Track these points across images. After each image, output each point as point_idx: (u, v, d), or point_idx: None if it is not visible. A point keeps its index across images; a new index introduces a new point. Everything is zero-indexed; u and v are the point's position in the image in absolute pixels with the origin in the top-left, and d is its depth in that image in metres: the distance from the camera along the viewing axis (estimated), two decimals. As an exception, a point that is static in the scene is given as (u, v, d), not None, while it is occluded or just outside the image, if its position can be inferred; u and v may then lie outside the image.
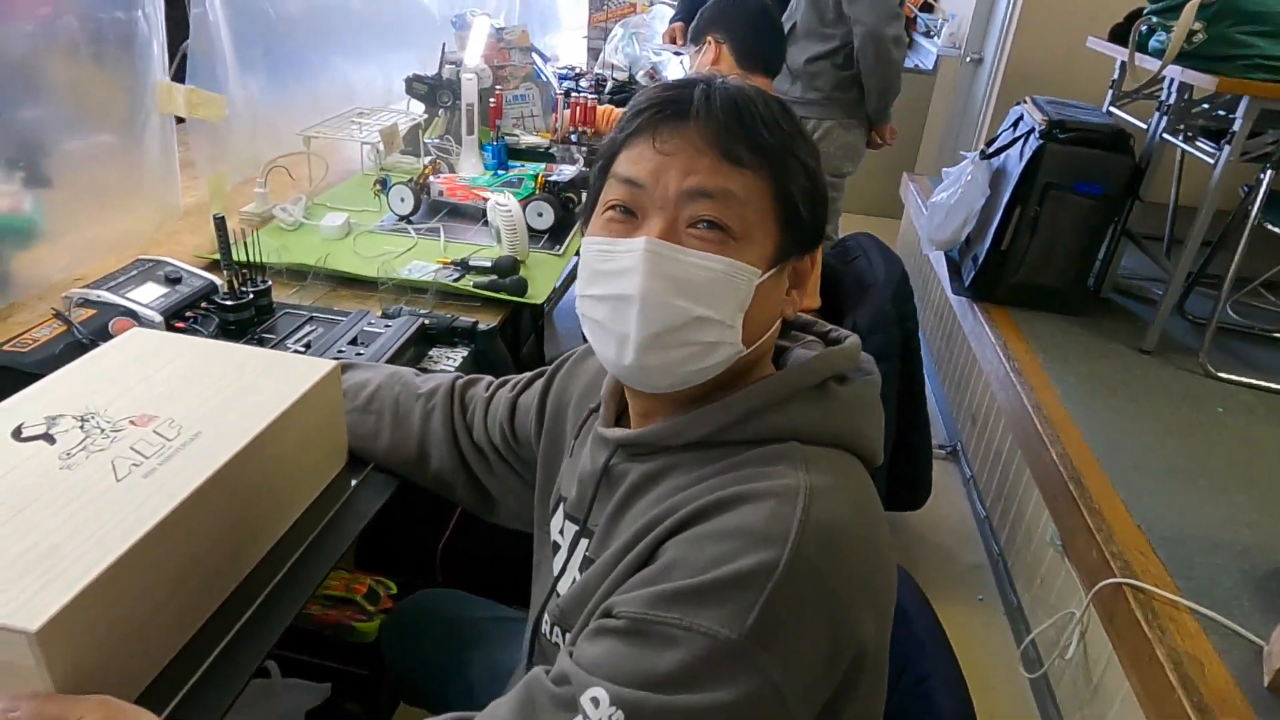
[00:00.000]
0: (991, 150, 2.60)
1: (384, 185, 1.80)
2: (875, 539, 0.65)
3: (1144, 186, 2.52)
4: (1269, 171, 2.18)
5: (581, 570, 0.77)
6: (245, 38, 1.65)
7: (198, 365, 0.91)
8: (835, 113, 2.46)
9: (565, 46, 3.83)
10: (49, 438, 0.77)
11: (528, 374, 0.99)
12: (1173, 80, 2.42)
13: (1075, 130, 2.39)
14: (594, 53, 3.52)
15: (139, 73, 1.37)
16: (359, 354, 1.16)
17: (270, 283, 1.30)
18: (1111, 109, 2.74)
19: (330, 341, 1.20)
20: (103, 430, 0.79)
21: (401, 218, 1.79)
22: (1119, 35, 2.66)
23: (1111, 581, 1.51)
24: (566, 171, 1.89)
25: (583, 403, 0.87)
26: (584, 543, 0.78)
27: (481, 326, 1.31)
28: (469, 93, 2.00)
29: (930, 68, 4.47)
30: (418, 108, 2.28)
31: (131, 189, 1.44)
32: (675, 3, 3.15)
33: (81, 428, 0.79)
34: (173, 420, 0.81)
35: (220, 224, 1.21)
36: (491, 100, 2.15)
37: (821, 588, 0.59)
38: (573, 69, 3.25)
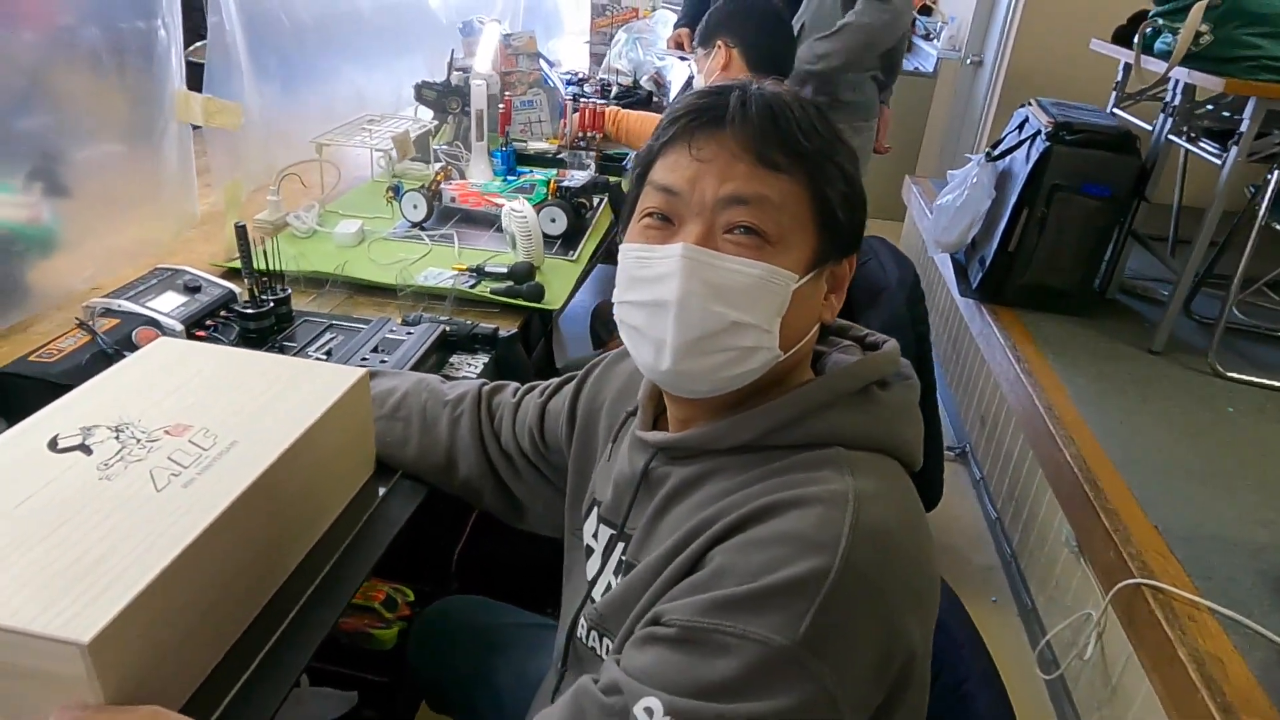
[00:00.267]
0: (998, 153, 2.61)
1: (397, 192, 1.80)
2: (921, 544, 0.66)
3: (1149, 187, 2.53)
4: (1276, 172, 2.19)
5: (616, 574, 0.77)
6: (260, 46, 1.65)
7: (226, 374, 0.91)
8: (845, 115, 2.45)
9: (567, 51, 3.84)
10: (85, 448, 0.77)
11: (556, 379, 0.99)
12: (1178, 82, 2.43)
13: (1082, 132, 2.40)
14: (597, 58, 3.52)
15: (158, 82, 1.37)
16: (383, 361, 1.16)
17: (290, 290, 1.30)
18: (1115, 110, 2.76)
19: (353, 349, 1.19)
20: (138, 440, 0.78)
21: (414, 224, 1.78)
22: (1122, 37, 2.67)
23: (1130, 582, 1.51)
24: (579, 177, 1.89)
25: (617, 406, 0.87)
26: (620, 546, 0.77)
27: (502, 333, 1.31)
28: (479, 99, 2.00)
29: (930, 70, 4.48)
30: (425, 114, 2.28)
31: (150, 198, 1.44)
32: (679, 6, 3.15)
33: (117, 438, 0.79)
34: (207, 430, 0.81)
35: (242, 232, 1.21)
36: (501, 106, 2.15)
37: (872, 594, 0.59)
38: (576, 74, 3.26)
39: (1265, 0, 2.09)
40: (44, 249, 1.30)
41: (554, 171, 2.04)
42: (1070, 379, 2.21)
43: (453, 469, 1.00)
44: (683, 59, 2.79)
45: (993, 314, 2.56)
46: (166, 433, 0.80)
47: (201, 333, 1.23)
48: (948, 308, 3.03)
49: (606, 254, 1.84)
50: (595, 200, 1.94)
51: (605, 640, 0.76)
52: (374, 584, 1.52)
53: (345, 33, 2.11)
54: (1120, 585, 1.53)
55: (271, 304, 1.26)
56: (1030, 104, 2.70)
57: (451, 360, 1.28)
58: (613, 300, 0.72)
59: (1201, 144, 2.42)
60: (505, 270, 1.54)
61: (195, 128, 1.57)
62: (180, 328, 1.20)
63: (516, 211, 1.60)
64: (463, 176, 2.00)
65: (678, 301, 0.65)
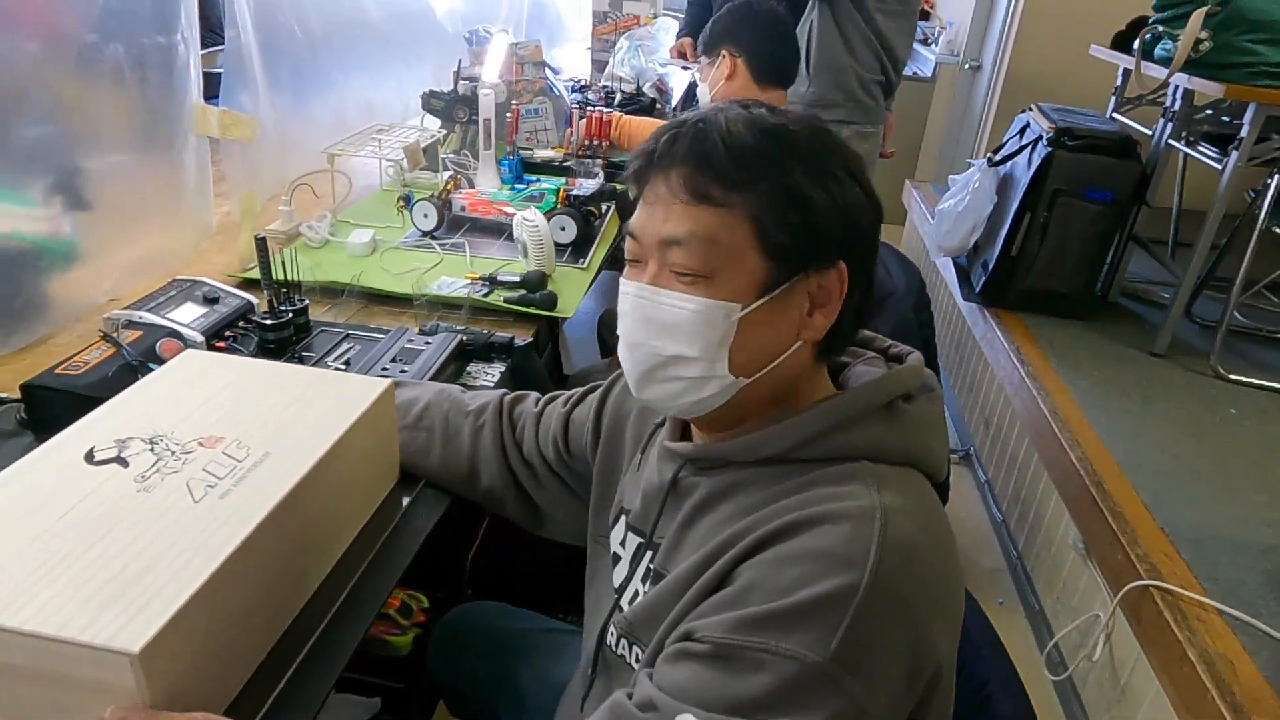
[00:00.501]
0: (999, 158, 2.63)
1: (407, 201, 1.81)
2: (947, 557, 0.67)
3: (1150, 192, 2.55)
4: (1276, 176, 2.21)
5: (644, 581, 0.79)
6: (274, 57, 1.66)
7: (253, 385, 0.92)
8: (856, 115, 2.43)
9: (569, 59, 3.85)
10: (122, 461, 0.78)
11: (579, 389, 1.00)
12: (1178, 87, 2.46)
13: (1084, 137, 2.42)
14: (599, 65, 3.54)
15: (177, 95, 1.38)
16: (403, 371, 1.18)
17: (307, 301, 1.31)
18: (1114, 115, 2.78)
19: (373, 359, 1.21)
20: (173, 452, 0.80)
21: (425, 233, 1.80)
22: (1122, 42, 2.70)
23: (1139, 584, 1.52)
24: (588, 186, 1.91)
25: (644, 416, 0.88)
26: (649, 554, 0.79)
27: (518, 341, 1.33)
28: (486, 108, 2.02)
29: (929, 75, 4.51)
30: (432, 123, 2.29)
31: (169, 210, 1.45)
32: (681, 14, 3.17)
33: (152, 450, 0.80)
34: (239, 441, 0.82)
35: (262, 244, 1.23)
36: (509, 115, 2.17)
37: (901, 608, 0.61)
38: (578, 81, 3.27)
39: (1264, 7, 2.12)
40: (65, 262, 1.31)
41: (561, 179, 2.05)
42: (1073, 382, 2.23)
43: (475, 478, 1.02)
44: (686, 69, 2.80)
45: (996, 318, 2.59)
46: (200, 444, 0.81)
47: (221, 344, 1.24)
48: (950, 311, 3.05)
49: (612, 260, 1.86)
50: (604, 208, 1.95)
51: (635, 649, 0.77)
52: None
53: (354, 43, 2.13)
54: (1128, 587, 1.55)
55: (290, 315, 1.27)
56: (1031, 109, 2.72)
57: (469, 369, 1.29)
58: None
59: (1201, 149, 2.44)
60: (518, 279, 1.56)
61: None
62: (201, 339, 1.21)
63: (529, 220, 1.62)
64: (471, 185, 2.02)
65: (626, 337, 0.73)
